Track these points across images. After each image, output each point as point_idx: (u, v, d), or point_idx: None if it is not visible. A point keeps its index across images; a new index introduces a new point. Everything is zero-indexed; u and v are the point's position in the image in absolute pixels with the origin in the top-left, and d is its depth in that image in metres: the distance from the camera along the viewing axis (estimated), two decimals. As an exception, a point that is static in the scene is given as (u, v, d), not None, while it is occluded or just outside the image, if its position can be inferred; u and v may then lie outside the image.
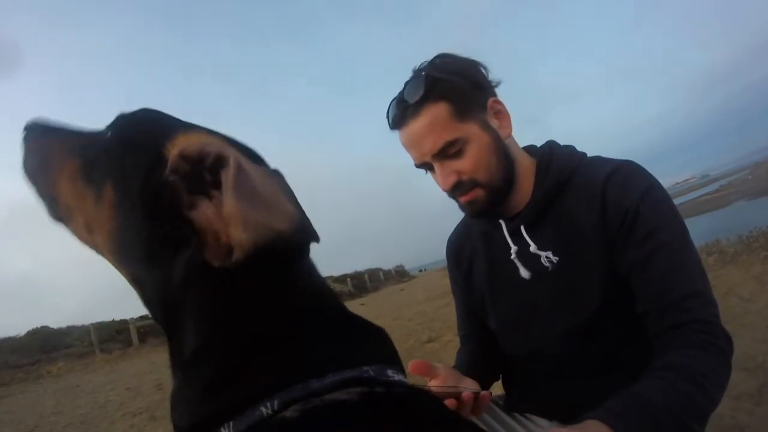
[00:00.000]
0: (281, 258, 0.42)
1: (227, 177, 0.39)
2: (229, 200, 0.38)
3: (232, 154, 0.39)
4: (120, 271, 0.47)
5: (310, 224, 0.44)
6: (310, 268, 0.47)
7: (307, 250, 0.46)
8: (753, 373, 2.33)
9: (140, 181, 0.42)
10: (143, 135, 0.45)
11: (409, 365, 0.84)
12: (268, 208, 0.39)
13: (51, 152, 0.50)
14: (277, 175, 0.47)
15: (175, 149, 0.41)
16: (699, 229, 9.80)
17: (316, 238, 0.45)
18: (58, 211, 0.50)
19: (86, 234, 0.48)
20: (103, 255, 0.48)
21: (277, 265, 0.42)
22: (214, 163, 0.40)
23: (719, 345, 0.77)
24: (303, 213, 0.44)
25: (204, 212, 0.40)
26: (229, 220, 0.38)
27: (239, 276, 0.41)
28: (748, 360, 2.47)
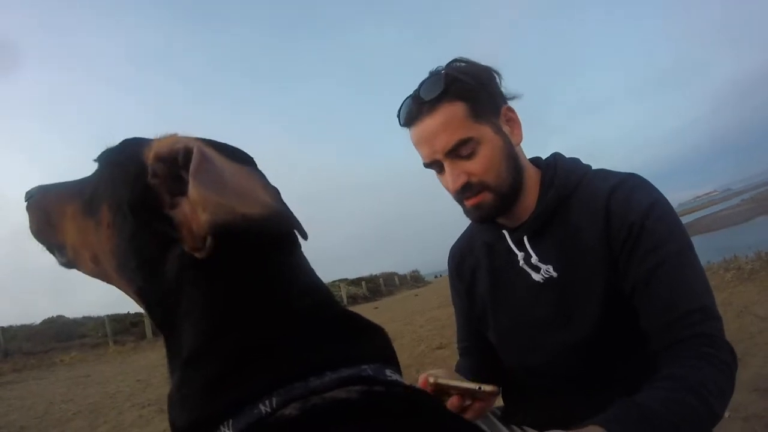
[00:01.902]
0: (258, 245, 0.43)
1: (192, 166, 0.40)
2: (191, 187, 0.40)
3: (196, 145, 0.41)
4: (127, 293, 0.50)
5: (291, 218, 0.45)
6: (305, 267, 0.49)
7: (290, 243, 0.48)
8: (764, 393, 2.28)
9: (128, 192, 0.45)
10: (126, 152, 0.49)
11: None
12: (236, 195, 0.40)
13: (51, 206, 0.54)
14: (257, 173, 0.49)
15: (150, 154, 0.44)
16: (718, 245, 9.63)
17: (302, 232, 0.46)
18: (67, 256, 0.54)
19: (94, 266, 0.51)
20: (112, 281, 0.51)
21: (261, 255, 0.44)
22: (185, 159, 0.42)
23: (722, 358, 0.76)
24: (284, 207, 0.45)
25: (182, 209, 0.42)
26: (194, 206, 0.40)
27: (231, 272, 0.42)
28: (761, 380, 2.42)
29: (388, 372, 0.43)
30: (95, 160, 0.52)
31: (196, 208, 0.40)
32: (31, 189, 0.56)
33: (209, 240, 0.40)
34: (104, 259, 0.49)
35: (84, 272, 0.54)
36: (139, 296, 0.48)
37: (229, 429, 0.37)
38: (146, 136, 0.51)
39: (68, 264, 0.55)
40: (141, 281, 0.46)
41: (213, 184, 0.40)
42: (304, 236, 0.47)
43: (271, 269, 0.45)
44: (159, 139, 0.46)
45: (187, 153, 0.41)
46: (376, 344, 0.47)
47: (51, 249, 0.56)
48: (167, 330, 0.45)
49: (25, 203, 0.56)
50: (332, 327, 0.44)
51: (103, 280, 0.52)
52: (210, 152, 0.42)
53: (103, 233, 0.48)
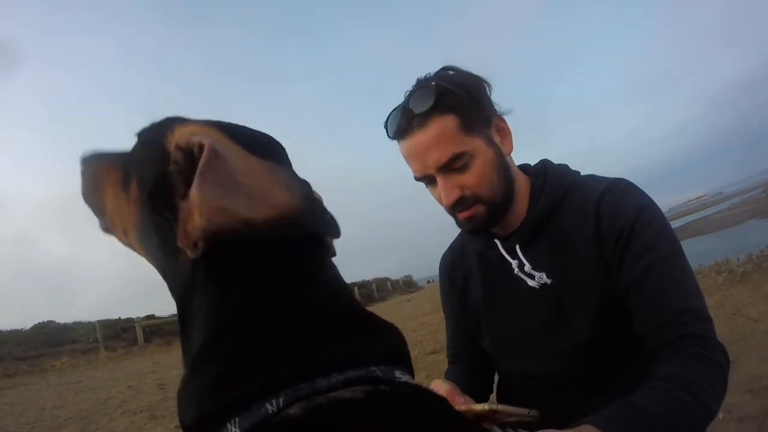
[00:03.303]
0: (264, 248, 0.42)
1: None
2: (193, 187, 0.39)
3: (208, 142, 0.40)
4: (153, 266, 0.50)
5: (313, 217, 0.43)
6: (324, 263, 0.47)
7: (311, 240, 0.45)
8: (758, 394, 2.30)
9: (152, 175, 0.45)
10: (156, 133, 0.48)
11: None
12: (245, 196, 0.39)
13: (100, 173, 0.54)
14: (281, 168, 0.46)
15: (172, 140, 0.43)
16: (709, 248, 9.70)
17: (329, 231, 0.45)
18: (106, 222, 0.54)
19: (125, 238, 0.52)
20: (140, 254, 0.51)
21: (274, 252, 0.42)
22: (200, 153, 0.40)
23: (714, 357, 0.77)
24: (309, 205, 0.43)
25: (187, 203, 0.41)
26: (193, 207, 0.39)
27: (241, 268, 0.42)
28: (753, 381, 2.45)
29: (397, 373, 0.43)
30: (136, 135, 0.51)
31: (194, 210, 0.38)
32: (87, 154, 0.56)
33: (201, 244, 0.39)
34: (131, 233, 0.50)
35: (119, 241, 0.54)
36: (163, 273, 0.48)
37: (235, 427, 0.37)
38: (184, 117, 0.50)
39: (107, 230, 0.55)
40: (162, 261, 0.47)
41: (219, 185, 0.39)
42: (335, 234, 0.46)
43: (284, 266, 0.43)
44: (182, 127, 0.45)
45: (201, 148, 0.40)
46: (388, 344, 0.46)
47: (96, 213, 0.56)
48: (183, 322, 0.45)
49: (81, 167, 0.56)
50: (343, 326, 0.43)
51: (134, 251, 0.52)
52: (225, 148, 0.40)
53: (131, 208, 0.48)
